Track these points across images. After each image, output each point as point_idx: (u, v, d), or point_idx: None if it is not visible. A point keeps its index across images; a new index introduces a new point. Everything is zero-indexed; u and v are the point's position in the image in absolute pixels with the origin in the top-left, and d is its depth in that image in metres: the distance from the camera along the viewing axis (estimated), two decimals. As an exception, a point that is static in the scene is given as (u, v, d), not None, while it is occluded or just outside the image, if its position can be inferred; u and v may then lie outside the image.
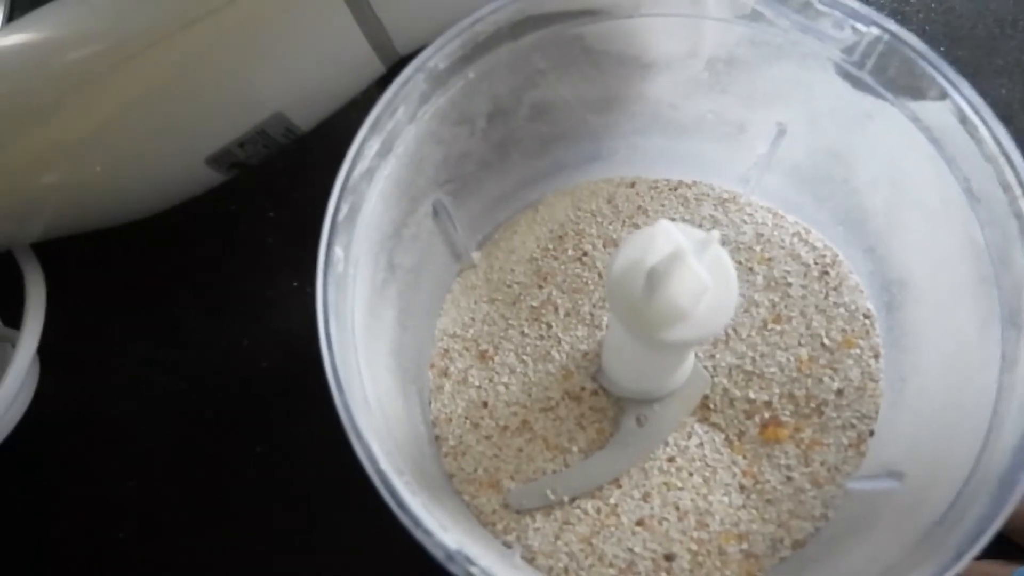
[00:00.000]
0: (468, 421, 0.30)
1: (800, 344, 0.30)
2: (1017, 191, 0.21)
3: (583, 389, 0.30)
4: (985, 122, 0.22)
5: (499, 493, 0.29)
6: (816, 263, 0.31)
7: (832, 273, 0.31)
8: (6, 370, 0.31)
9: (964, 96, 0.22)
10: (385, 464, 0.20)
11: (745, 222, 0.32)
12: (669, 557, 0.27)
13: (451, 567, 0.19)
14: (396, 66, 0.30)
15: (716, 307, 0.22)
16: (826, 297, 0.30)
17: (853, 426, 0.28)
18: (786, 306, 0.30)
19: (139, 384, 0.35)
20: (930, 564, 0.19)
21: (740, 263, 0.31)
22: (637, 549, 0.27)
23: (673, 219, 0.26)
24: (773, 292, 0.31)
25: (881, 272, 0.29)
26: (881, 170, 0.27)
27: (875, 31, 0.23)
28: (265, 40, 0.28)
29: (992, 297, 0.23)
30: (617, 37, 0.27)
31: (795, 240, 0.31)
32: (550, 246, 0.33)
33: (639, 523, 0.28)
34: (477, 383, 0.31)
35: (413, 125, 0.25)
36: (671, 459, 0.29)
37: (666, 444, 0.29)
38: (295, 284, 0.36)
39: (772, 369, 0.30)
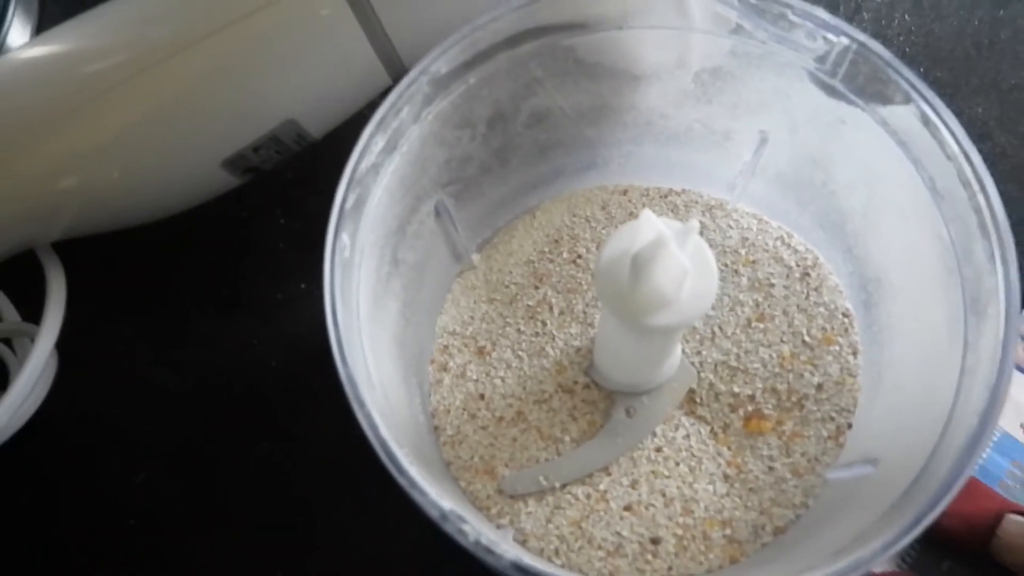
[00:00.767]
0: (466, 412, 0.31)
1: (782, 341, 0.31)
2: (975, 187, 0.23)
3: (576, 383, 0.31)
4: (945, 123, 0.23)
5: (494, 479, 0.30)
6: (798, 265, 0.32)
7: (813, 274, 0.32)
8: (25, 362, 0.33)
9: (926, 99, 0.24)
10: (386, 432, 0.21)
11: (731, 227, 0.34)
12: (655, 541, 0.28)
13: (445, 526, 0.20)
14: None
15: (698, 293, 0.24)
16: (807, 297, 0.32)
17: (832, 419, 0.30)
18: (769, 306, 0.32)
19: (147, 383, 0.36)
20: (893, 528, 0.20)
21: (726, 265, 0.33)
22: (625, 533, 0.28)
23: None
24: (757, 292, 0.32)
25: (859, 272, 0.31)
26: (857, 174, 0.29)
27: (844, 40, 0.25)
28: (279, 52, 0.30)
29: (958, 287, 0.24)
30: (608, 49, 0.29)
31: (778, 244, 0.33)
32: (546, 249, 0.34)
33: (627, 508, 0.29)
34: (475, 377, 0.32)
35: (417, 125, 0.27)
36: (659, 449, 0.30)
37: (654, 435, 0.30)
38: (303, 287, 0.37)
39: (756, 365, 0.31)
